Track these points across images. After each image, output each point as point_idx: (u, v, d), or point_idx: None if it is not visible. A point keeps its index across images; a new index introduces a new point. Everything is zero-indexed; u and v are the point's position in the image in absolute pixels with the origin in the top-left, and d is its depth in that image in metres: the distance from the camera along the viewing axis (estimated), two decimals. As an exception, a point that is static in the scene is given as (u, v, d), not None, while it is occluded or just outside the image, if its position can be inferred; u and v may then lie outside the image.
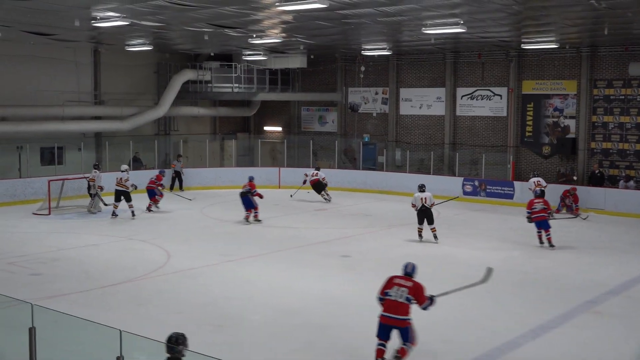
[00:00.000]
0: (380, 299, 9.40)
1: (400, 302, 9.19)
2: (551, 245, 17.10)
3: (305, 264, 15.22)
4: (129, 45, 25.97)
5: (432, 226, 17.61)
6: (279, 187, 28.43)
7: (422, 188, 17.89)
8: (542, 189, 20.31)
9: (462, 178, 26.30)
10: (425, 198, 17.59)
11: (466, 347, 10.10)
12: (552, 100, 25.95)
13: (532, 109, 26.41)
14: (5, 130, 24.71)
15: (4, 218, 20.55)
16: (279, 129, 33.46)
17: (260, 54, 28.43)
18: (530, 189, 21.85)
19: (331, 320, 11.31)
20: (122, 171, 21.54)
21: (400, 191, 26.29)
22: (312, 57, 29.72)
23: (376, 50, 27.00)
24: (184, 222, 20.57)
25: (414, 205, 17.69)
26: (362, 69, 30.21)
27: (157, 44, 26.32)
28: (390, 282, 9.41)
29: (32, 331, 5.89)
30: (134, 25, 19.51)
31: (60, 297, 12.17)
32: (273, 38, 22.92)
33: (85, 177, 22.31)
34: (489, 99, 27.49)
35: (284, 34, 22.38)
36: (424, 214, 17.60)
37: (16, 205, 22.85)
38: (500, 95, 27.17)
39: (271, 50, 27.61)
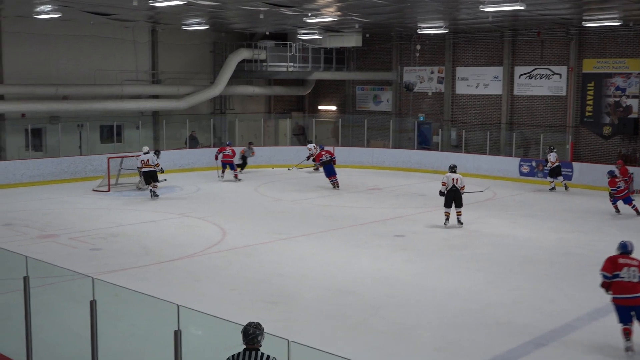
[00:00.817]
0: (607, 277, 9.20)
1: (635, 282, 8.98)
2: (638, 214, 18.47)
3: (359, 243, 15.24)
4: (185, 24, 26.23)
5: (459, 209, 16.85)
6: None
7: (453, 168, 17.17)
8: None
9: (519, 158, 25.88)
10: (457, 179, 16.79)
11: (521, 329, 10.00)
12: (614, 79, 25.24)
13: (592, 88, 25.74)
14: (66, 109, 25.35)
15: (66, 194, 21.10)
16: (334, 108, 33.44)
17: (315, 33, 28.39)
18: (548, 162, 23.04)
19: (384, 299, 11.32)
20: (145, 153, 21.10)
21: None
22: (367, 35, 29.54)
23: (432, 28, 26.67)
24: (239, 200, 20.80)
25: (444, 184, 16.79)
26: (418, 47, 29.90)
27: (213, 23, 26.52)
28: (615, 263, 9.13)
29: (93, 304, 6.05)
30: (190, 5, 19.67)
31: (119, 272, 12.47)
32: (328, 17, 22.84)
33: (137, 156, 22.36)
34: (548, 78, 26.90)
35: (339, 13, 22.27)
36: (454, 195, 16.73)
37: (77, 182, 23.44)
38: (560, 74, 26.57)
39: (326, 29, 27.53)
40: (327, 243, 15.27)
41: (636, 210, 18.58)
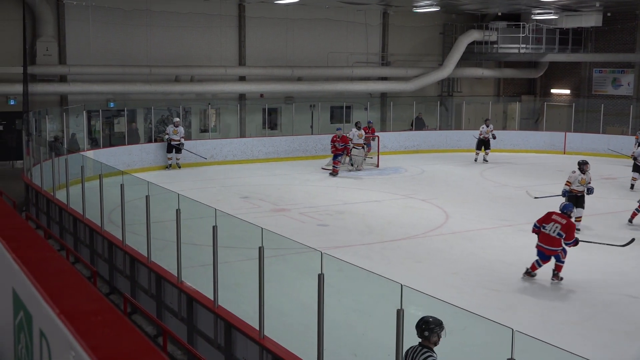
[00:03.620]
0: (535, 226, 11.12)
1: (550, 235, 10.78)
2: None
3: (591, 235, 14.35)
4: (416, 6, 26.33)
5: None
6: (564, 153, 27.14)
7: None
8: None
9: None
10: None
11: None
12: None
13: None
14: (300, 90, 26.67)
15: (297, 172, 22.22)
16: (567, 91, 31.79)
17: (551, 13, 27.14)
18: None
19: (615, 296, 10.65)
20: (176, 126, 22.12)
21: None
22: (608, 14, 27.65)
23: (685, 5, 24.39)
24: (464, 184, 20.58)
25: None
26: (667, 26, 27.47)
27: (443, 5, 26.35)
28: (549, 217, 10.94)
29: (320, 277, 6.34)
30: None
31: (344, 248, 12.92)
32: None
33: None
34: None
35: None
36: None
37: (307, 160, 24.57)
38: None
39: (563, 8, 26.22)
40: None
41: None
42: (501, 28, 29.28)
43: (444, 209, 16.77)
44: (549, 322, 9.52)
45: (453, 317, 6.94)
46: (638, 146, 19.06)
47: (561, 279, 10.99)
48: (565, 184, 14.71)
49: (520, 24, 29.01)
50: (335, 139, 21.68)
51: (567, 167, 23.61)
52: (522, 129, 29.64)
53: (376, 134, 24.27)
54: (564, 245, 10.85)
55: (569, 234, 10.77)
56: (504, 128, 30.50)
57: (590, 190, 14.59)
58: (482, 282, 11.21)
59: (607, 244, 11.84)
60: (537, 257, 11.08)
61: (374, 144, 23.81)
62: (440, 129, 28.57)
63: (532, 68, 31.65)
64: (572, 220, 11.13)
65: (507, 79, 32.42)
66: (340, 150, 21.71)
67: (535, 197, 14.44)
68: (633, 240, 12.13)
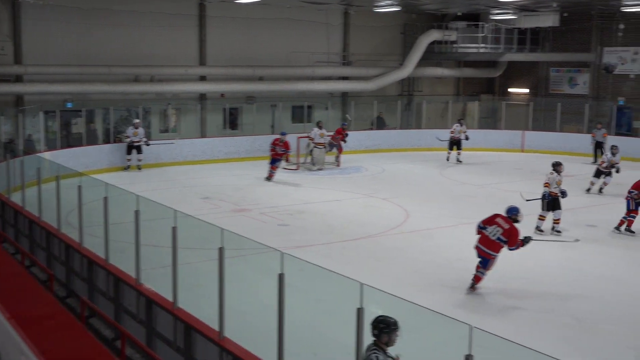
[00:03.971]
0: (479, 226, 10.66)
1: (490, 238, 10.38)
2: None
3: (547, 230, 14.63)
4: (377, 6, 26.43)
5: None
6: (522, 151, 27.55)
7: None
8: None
9: None
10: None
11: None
12: None
13: None
14: (261, 90, 26.63)
15: (259, 172, 22.07)
16: (525, 90, 32.25)
17: (509, 13, 27.49)
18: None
19: (571, 291, 10.87)
20: (136, 128, 22.02)
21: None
22: (565, 14, 28.11)
23: (638, 6, 24.84)
24: (424, 183, 20.76)
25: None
26: (621, 26, 27.99)
27: (404, 5, 26.52)
28: (492, 220, 10.53)
29: (281, 277, 6.35)
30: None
31: (305, 248, 12.94)
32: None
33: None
34: None
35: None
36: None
37: (268, 160, 24.47)
38: None
39: (521, 8, 26.59)
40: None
41: None
42: (461, 28, 29.57)
43: (404, 207, 16.89)
44: (507, 318, 9.66)
45: (412, 314, 7.00)
46: (611, 155, 19.21)
47: (475, 288, 10.59)
48: (545, 186, 14.60)
49: (479, 24, 29.34)
50: (277, 142, 20.70)
51: (526, 165, 24.12)
52: (482, 128, 29.98)
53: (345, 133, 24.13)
54: (507, 250, 10.45)
55: (512, 240, 10.34)
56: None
57: (564, 194, 14.42)
58: (441, 279, 11.33)
59: (559, 241, 11.56)
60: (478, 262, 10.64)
61: (345, 144, 23.85)
62: (400, 128, 28.75)
63: (491, 67, 32.03)
64: (518, 224, 10.59)
65: (466, 78, 32.77)
66: (280, 155, 20.68)
67: (527, 200, 14.42)
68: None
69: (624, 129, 28.01)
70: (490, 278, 11.38)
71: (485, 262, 10.49)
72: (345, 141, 23.82)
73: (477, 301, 10.42)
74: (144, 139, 22.06)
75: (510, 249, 10.42)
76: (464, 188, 19.90)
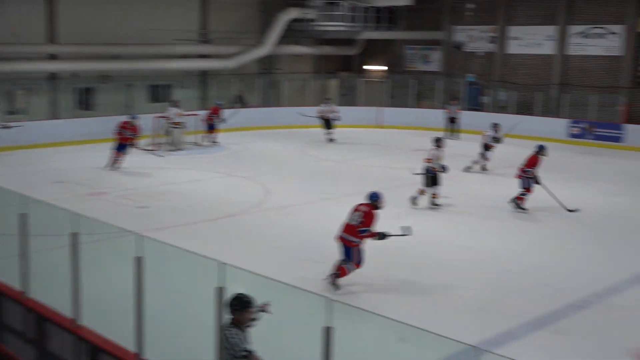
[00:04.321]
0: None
1: (351, 224, 9.87)
2: None
3: (401, 203, 15.13)
4: (234, -17, 26.11)
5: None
6: (381, 127, 28.29)
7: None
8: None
9: (569, 120, 25.34)
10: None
11: (566, 292, 9.92)
12: (673, 38, 24.41)
13: (650, 48, 24.97)
14: (117, 68, 25.68)
15: (116, 153, 21.45)
16: (383, 68, 33.10)
17: (365, -8, 28.02)
18: None
19: (427, 260, 11.34)
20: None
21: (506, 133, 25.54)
22: (418, -7, 29.08)
23: (485, -14, 26.10)
24: (285, 161, 20.88)
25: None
26: (471, 6, 29.28)
27: (262, -18, 26.35)
28: (355, 208, 10.08)
29: (139, 260, 6.19)
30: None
31: (166, 229, 12.69)
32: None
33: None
34: (604, 37, 26.13)
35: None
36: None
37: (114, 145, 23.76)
38: (616, 34, 25.77)
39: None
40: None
41: None
42: (319, 6, 29.84)
43: (265, 185, 16.93)
44: (366, 292, 9.92)
45: (274, 291, 7.03)
46: (492, 136, 19.78)
47: (336, 286, 9.87)
48: (427, 161, 14.86)
49: (337, 2, 29.72)
50: (125, 125, 19.13)
51: (384, 140, 24.80)
52: (341, 105, 30.46)
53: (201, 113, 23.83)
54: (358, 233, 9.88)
55: (367, 221, 9.83)
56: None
57: (445, 168, 14.82)
58: (304, 255, 11.46)
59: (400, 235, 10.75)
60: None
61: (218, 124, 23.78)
62: (261, 107, 28.73)
63: (349, 45, 32.60)
64: (379, 211, 10.07)
65: (325, 56, 33.16)
66: (129, 139, 18.94)
67: (414, 174, 14.91)
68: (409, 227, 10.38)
69: (473, 104, 29.41)
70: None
71: (348, 251, 9.93)
72: (225, 120, 23.76)
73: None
74: (1, 123, 20.65)
75: (362, 231, 9.82)
76: (324, 165, 20.21)
